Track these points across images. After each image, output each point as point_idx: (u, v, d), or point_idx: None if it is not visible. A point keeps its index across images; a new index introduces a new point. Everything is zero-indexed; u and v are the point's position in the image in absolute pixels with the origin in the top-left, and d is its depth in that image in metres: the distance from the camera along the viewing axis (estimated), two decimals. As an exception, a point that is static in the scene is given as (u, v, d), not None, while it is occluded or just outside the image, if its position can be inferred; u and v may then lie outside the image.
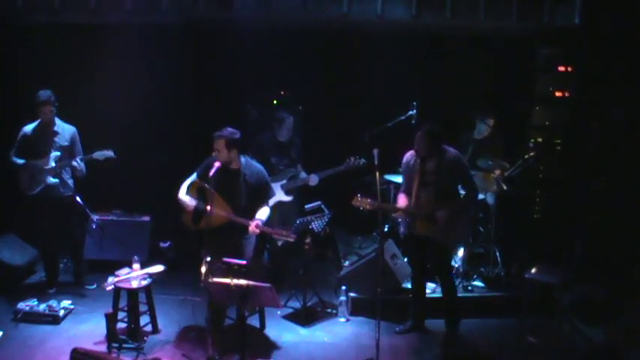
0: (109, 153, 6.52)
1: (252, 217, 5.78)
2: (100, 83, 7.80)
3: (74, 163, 6.58)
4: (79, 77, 7.77)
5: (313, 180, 7.04)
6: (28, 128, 6.73)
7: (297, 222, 6.40)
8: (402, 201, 6.06)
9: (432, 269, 6.32)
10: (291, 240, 5.89)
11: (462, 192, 6.13)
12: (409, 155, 6.08)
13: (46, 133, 6.68)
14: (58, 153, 6.62)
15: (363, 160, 6.76)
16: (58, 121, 6.72)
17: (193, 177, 6.00)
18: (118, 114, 7.82)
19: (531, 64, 7.69)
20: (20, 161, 6.68)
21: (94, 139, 6.84)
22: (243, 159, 5.91)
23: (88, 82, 7.78)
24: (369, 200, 5.82)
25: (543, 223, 7.57)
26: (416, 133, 5.91)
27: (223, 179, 5.71)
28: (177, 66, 8.08)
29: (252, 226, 5.69)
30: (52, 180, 6.63)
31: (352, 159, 6.86)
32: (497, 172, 6.96)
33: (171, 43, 7.92)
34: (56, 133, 6.69)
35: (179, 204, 5.96)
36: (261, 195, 5.97)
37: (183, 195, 5.94)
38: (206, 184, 5.70)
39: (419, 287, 6.31)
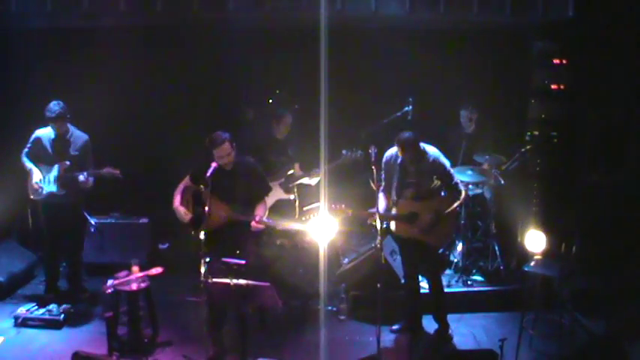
0: (117, 172, 6.45)
1: (251, 213, 5.78)
2: (95, 86, 7.71)
3: (81, 178, 6.44)
4: (74, 80, 7.69)
5: (315, 173, 6.97)
6: (42, 134, 6.60)
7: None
8: (381, 202, 5.95)
9: (420, 266, 6.31)
10: (296, 229, 5.87)
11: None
12: (390, 154, 6.00)
13: (58, 141, 6.58)
14: (68, 162, 6.52)
15: (360, 152, 6.73)
16: (72, 128, 6.61)
17: (186, 181, 5.99)
18: (114, 116, 7.74)
19: (526, 58, 7.66)
20: (28, 165, 6.60)
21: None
22: (237, 158, 5.86)
23: (82, 85, 7.65)
24: (343, 208, 5.76)
25: (541, 216, 7.58)
26: (396, 140, 5.79)
27: (219, 179, 5.69)
28: (171, 67, 8.01)
29: (255, 222, 5.68)
30: (58, 189, 6.57)
31: (348, 152, 6.79)
32: (487, 165, 6.97)
33: (165, 44, 7.89)
34: (68, 142, 6.58)
35: (175, 213, 5.94)
36: (258, 188, 5.95)
37: (178, 204, 5.92)
38: (201, 187, 5.69)
39: (411, 285, 6.24)
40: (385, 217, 5.89)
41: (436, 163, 5.87)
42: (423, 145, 5.87)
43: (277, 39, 7.86)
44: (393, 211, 5.92)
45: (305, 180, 7.08)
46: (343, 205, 5.78)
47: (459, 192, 5.95)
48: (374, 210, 5.79)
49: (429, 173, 5.86)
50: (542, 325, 6.12)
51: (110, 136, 7.52)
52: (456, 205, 5.93)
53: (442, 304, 6.18)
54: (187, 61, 8.09)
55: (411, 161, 5.83)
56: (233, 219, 5.75)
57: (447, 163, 5.96)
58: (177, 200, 5.93)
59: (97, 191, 6.91)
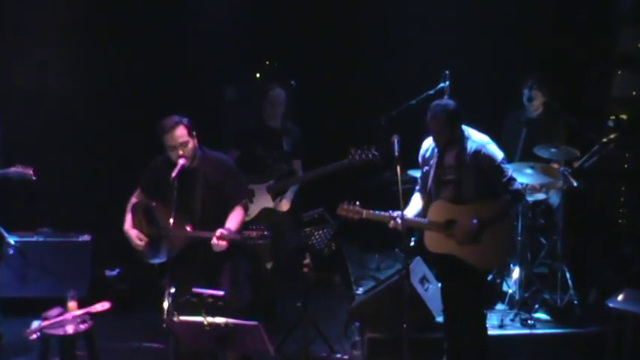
0: (28, 172, 6.44)
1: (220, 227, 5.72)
2: (11, 51, 7.72)
3: None
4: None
5: (284, 204, 7.09)
6: None
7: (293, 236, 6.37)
8: (413, 205, 5.97)
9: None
10: (265, 240, 5.77)
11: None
12: (427, 143, 6.01)
13: None
14: None
15: (373, 152, 6.65)
16: None
17: (138, 193, 6.00)
18: (39, 95, 7.77)
19: (611, 13, 7.63)
20: None
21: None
22: (199, 151, 5.85)
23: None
24: (357, 208, 5.80)
25: (632, 231, 7.52)
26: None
27: (177, 185, 5.62)
28: (125, 34, 8.07)
29: (215, 239, 5.60)
30: None
31: (359, 151, 6.70)
32: (555, 161, 6.94)
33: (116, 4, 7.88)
34: None
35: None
36: (229, 192, 5.90)
37: (129, 226, 5.92)
38: (153, 203, 5.74)
39: (452, 324, 6.14)
40: (414, 224, 5.90)
41: (480, 153, 5.78)
42: (466, 129, 5.86)
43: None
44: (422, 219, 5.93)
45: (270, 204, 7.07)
46: (357, 204, 5.79)
47: (515, 193, 5.90)
48: (397, 213, 5.67)
49: (472, 167, 5.80)
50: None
51: (37, 128, 7.48)
52: (504, 210, 5.87)
53: (477, 356, 6.03)
54: (147, 26, 8.04)
55: (441, 141, 5.81)
56: (195, 237, 5.72)
57: (497, 154, 5.85)
58: (128, 221, 5.93)
59: (18, 198, 6.88)
